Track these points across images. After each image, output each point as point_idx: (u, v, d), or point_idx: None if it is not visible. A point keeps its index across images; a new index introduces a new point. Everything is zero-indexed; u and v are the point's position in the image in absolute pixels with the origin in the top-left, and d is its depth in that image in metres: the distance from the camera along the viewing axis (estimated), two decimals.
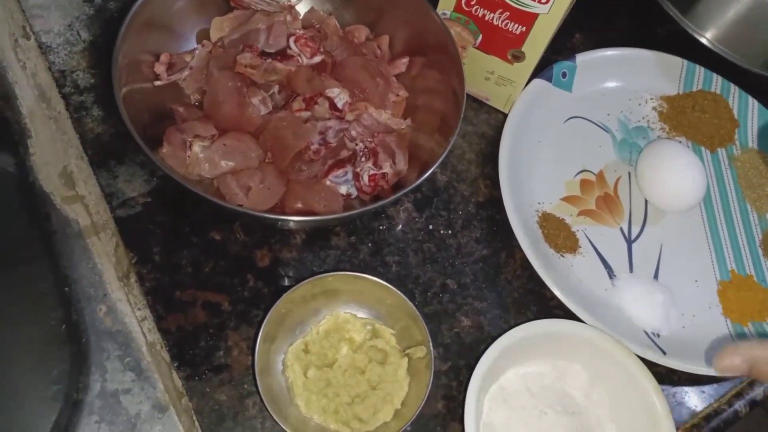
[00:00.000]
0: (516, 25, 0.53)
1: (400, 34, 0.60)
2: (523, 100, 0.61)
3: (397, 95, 0.58)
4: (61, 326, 0.53)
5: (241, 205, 0.51)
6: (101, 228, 0.51)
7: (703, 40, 0.67)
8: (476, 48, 0.57)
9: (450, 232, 0.56)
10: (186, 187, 0.46)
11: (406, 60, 0.59)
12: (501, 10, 0.52)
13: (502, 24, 0.53)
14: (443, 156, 0.49)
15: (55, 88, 0.56)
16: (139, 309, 0.48)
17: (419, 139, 0.57)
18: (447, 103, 0.55)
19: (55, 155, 0.54)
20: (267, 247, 0.52)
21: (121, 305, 0.48)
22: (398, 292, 0.47)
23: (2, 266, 0.56)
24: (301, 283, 0.46)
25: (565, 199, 0.59)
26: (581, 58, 0.64)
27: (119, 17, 0.59)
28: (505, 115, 0.62)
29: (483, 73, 0.59)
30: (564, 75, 0.64)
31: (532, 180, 0.59)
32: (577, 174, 0.61)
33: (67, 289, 0.49)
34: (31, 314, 0.53)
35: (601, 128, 0.64)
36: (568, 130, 0.63)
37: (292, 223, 0.53)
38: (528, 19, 0.52)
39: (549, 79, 0.62)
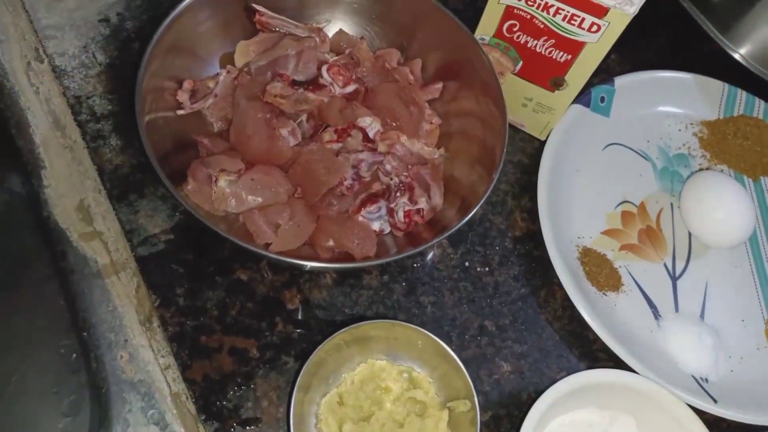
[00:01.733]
0: (561, 53, 0.50)
1: (433, 58, 0.57)
2: (560, 127, 0.57)
3: (431, 123, 0.55)
4: (72, 356, 0.51)
5: (269, 244, 0.47)
6: (121, 267, 0.48)
7: (742, 61, 0.63)
8: (515, 74, 0.54)
9: (487, 269, 0.52)
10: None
11: (439, 86, 0.55)
12: (546, 38, 0.49)
13: (545, 51, 0.50)
14: (487, 194, 0.46)
15: (70, 114, 0.53)
16: (162, 356, 0.45)
17: (454, 171, 0.53)
18: (486, 132, 0.52)
19: (71, 188, 0.50)
20: (296, 288, 0.49)
21: (144, 352, 0.45)
22: (438, 340, 0.44)
23: (16, 309, 0.53)
24: (338, 332, 0.43)
25: (606, 232, 0.56)
26: (620, 81, 0.61)
27: (136, 37, 0.57)
28: (541, 143, 0.59)
29: (520, 100, 0.56)
30: (602, 100, 0.60)
31: (571, 212, 0.56)
32: (618, 205, 0.57)
33: (85, 334, 0.46)
34: (46, 357, 0.51)
35: (641, 156, 0.60)
36: (607, 158, 0.59)
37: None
38: (574, 48, 0.49)
39: (587, 104, 0.59)
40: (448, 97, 0.56)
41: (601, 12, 0.46)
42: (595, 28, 0.47)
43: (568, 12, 0.46)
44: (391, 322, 0.45)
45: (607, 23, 0.46)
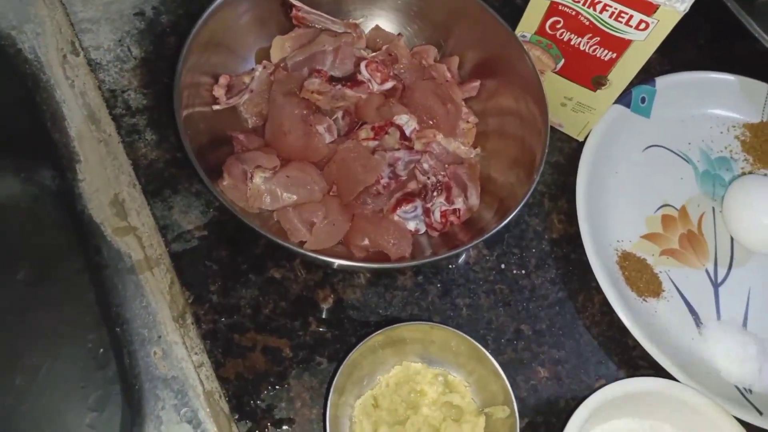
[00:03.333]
0: (605, 52, 0.48)
1: (471, 56, 0.55)
2: (600, 128, 0.55)
3: (468, 122, 0.53)
4: (99, 350, 0.50)
5: (303, 242, 0.46)
6: (155, 263, 0.47)
7: None
8: (555, 72, 0.52)
9: (523, 272, 0.51)
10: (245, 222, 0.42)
11: (477, 84, 0.54)
12: (590, 35, 0.47)
13: (589, 50, 0.48)
14: (527, 197, 0.44)
15: (105, 108, 0.52)
16: (195, 353, 0.44)
17: (491, 171, 0.52)
18: (525, 133, 0.50)
19: (106, 182, 0.49)
20: (329, 287, 0.48)
21: (177, 349, 0.44)
22: (476, 343, 0.43)
23: (45, 303, 0.52)
24: (374, 334, 0.42)
25: (646, 236, 0.54)
26: (661, 82, 0.59)
27: (171, 32, 0.56)
28: (579, 143, 0.57)
29: (559, 99, 0.54)
30: (643, 100, 0.58)
31: (610, 215, 0.54)
32: (658, 209, 0.55)
33: (118, 329, 0.45)
34: (74, 351, 0.50)
35: (682, 158, 0.58)
36: (647, 160, 0.57)
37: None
38: (620, 46, 0.47)
39: (627, 105, 0.57)
40: (486, 95, 0.54)
41: (651, 9, 0.44)
42: (643, 25, 0.45)
43: (615, 9, 0.45)
44: (428, 324, 0.43)
45: (655, 21, 0.44)
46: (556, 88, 0.53)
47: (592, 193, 0.53)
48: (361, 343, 0.41)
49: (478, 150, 0.53)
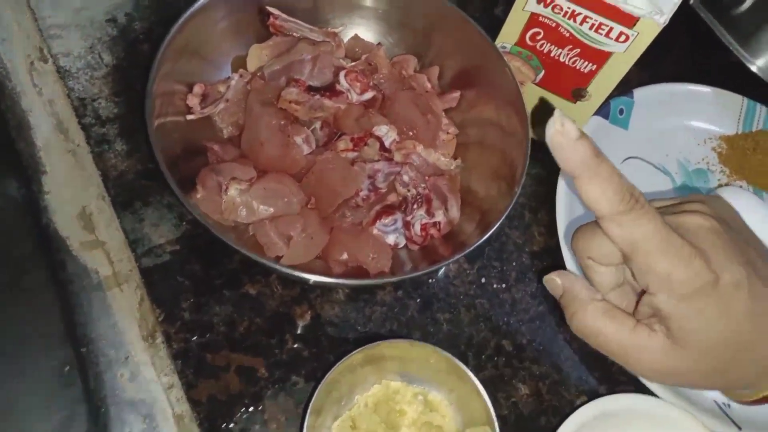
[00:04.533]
0: (585, 63, 0.47)
1: (450, 66, 0.54)
2: None
3: (448, 133, 0.52)
4: (65, 368, 0.47)
5: (280, 257, 0.44)
6: (124, 279, 0.45)
7: (760, 73, 0.61)
8: (535, 84, 0.51)
9: (503, 285, 0.49)
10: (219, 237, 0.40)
11: (457, 95, 0.52)
12: (570, 47, 0.46)
13: (569, 61, 0.47)
14: (509, 209, 0.43)
15: (74, 117, 0.49)
16: (165, 375, 0.42)
17: (471, 183, 0.50)
18: (505, 144, 0.49)
19: (73, 194, 0.47)
20: (307, 303, 0.46)
21: (146, 370, 0.42)
22: (457, 361, 0.41)
23: (7, 318, 0.50)
24: (353, 352, 0.40)
25: None
26: (639, 93, 0.58)
27: (145, 39, 0.53)
28: None
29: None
30: (621, 112, 0.58)
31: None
32: None
33: (83, 349, 0.43)
34: (38, 369, 0.47)
35: (660, 170, 0.58)
36: (626, 172, 0.52)
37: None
38: (600, 58, 0.46)
39: (606, 116, 0.56)
40: (466, 106, 0.53)
41: (631, 21, 0.43)
42: (623, 38, 0.44)
43: (596, 21, 0.44)
44: (408, 342, 0.42)
45: (635, 33, 0.44)
46: (536, 99, 0.52)
47: (572, 206, 0.52)
48: (340, 362, 0.39)
49: (459, 161, 0.51)
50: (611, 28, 0.44)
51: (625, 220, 0.31)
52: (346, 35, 0.54)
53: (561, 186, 0.52)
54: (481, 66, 0.51)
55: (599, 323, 0.34)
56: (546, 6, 0.44)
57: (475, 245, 0.42)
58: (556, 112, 0.30)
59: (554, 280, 0.37)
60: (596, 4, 0.43)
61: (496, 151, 0.49)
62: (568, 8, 0.44)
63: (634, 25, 0.43)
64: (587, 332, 0.35)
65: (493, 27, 0.50)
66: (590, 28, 0.44)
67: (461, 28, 0.51)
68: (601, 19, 0.44)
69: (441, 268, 0.49)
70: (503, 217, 0.43)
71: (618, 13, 0.43)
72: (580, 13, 0.44)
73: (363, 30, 0.54)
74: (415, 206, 0.46)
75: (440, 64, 0.54)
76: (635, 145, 0.57)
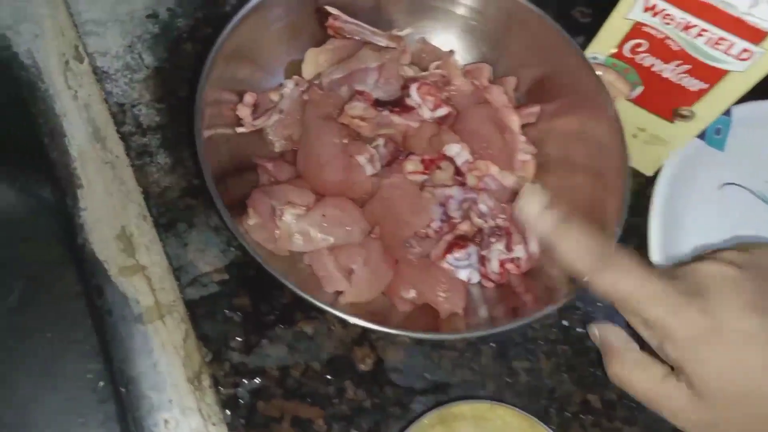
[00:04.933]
0: (694, 81, 0.41)
1: (528, 75, 0.48)
2: (673, 164, 0.48)
3: (526, 153, 0.46)
4: (99, 383, 0.44)
5: (339, 292, 0.39)
6: (167, 311, 0.40)
7: None
8: (629, 100, 0.45)
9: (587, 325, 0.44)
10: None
11: (536, 109, 0.47)
12: (679, 62, 0.40)
13: (674, 78, 0.41)
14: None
15: (112, 125, 0.45)
16: (213, 424, 0.37)
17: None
18: (595, 168, 0.43)
19: (112, 212, 0.42)
20: (368, 345, 0.41)
21: (192, 417, 0.37)
22: (541, 425, 0.36)
23: (44, 328, 0.46)
24: (425, 414, 0.35)
25: None
26: (738, 111, 0.51)
27: (189, 37, 0.48)
28: (647, 179, 0.50)
29: (630, 129, 0.46)
30: (718, 131, 0.51)
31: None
32: None
33: (123, 389, 0.39)
34: (73, 379, 0.44)
35: (761, 200, 0.51)
36: (724, 201, 0.50)
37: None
38: (713, 76, 0.40)
39: (701, 137, 0.50)
40: (545, 121, 0.47)
41: (758, 37, 0.37)
42: (745, 55, 0.38)
43: (714, 35, 0.38)
44: (488, 403, 0.37)
45: (762, 50, 0.37)
46: (628, 117, 0.45)
47: (667, 241, 0.46)
48: (411, 426, 0.35)
49: (538, 185, 0.46)
50: (732, 44, 0.38)
51: (606, 277, 0.33)
52: (412, 38, 0.48)
53: (655, 218, 0.46)
54: (566, 78, 0.45)
55: (631, 373, 0.35)
56: (654, 15, 0.38)
57: (569, 298, 0.36)
58: (527, 185, 0.36)
59: (593, 330, 0.38)
60: (717, 15, 0.37)
61: (583, 176, 0.44)
62: (682, 19, 0.38)
63: (762, 41, 0.37)
64: (621, 382, 0.35)
65: (570, 30, 0.44)
66: (706, 43, 0.38)
67: (543, 34, 0.45)
68: (721, 33, 0.37)
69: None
70: None
71: (742, 27, 0.37)
72: (695, 26, 0.38)
73: (430, 33, 0.48)
74: (492, 240, 0.41)
75: (516, 73, 0.49)
76: (733, 170, 0.51)
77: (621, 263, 0.33)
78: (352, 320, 0.36)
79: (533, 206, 0.35)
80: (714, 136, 0.51)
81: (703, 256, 0.36)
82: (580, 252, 0.33)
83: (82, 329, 0.45)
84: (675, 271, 0.34)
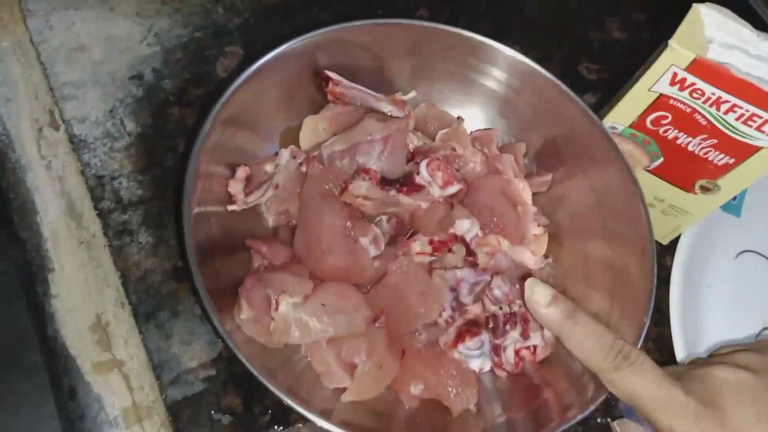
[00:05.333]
0: (721, 156, 0.38)
1: (536, 138, 0.45)
2: (690, 233, 0.46)
3: (538, 225, 0.43)
4: None
5: (341, 388, 0.35)
6: (146, 414, 0.36)
7: None
8: (647, 170, 0.43)
9: (609, 419, 0.41)
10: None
11: (548, 178, 0.44)
12: (705, 137, 0.38)
13: (699, 151, 0.39)
14: (641, 341, 0.34)
15: (89, 200, 0.41)
16: None
17: (568, 288, 0.42)
18: (614, 243, 0.40)
19: (86, 298, 0.38)
20: None
21: None
22: None
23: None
24: None
25: None
26: None
27: (176, 101, 0.45)
28: (661, 246, 0.47)
29: (647, 198, 0.44)
30: (734, 197, 0.49)
31: (708, 343, 0.44)
32: (759, 333, 0.46)
33: None
34: None
35: None
36: (741, 270, 0.48)
37: None
38: (742, 152, 0.37)
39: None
40: (556, 189, 0.44)
41: None
42: None
43: (746, 111, 0.35)
44: None
45: None
46: (645, 186, 0.42)
47: (687, 316, 0.43)
48: None
49: (549, 260, 0.43)
50: (765, 121, 0.35)
51: (616, 378, 0.32)
52: (415, 100, 0.45)
53: (675, 292, 0.43)
54: (577, 141, 0.42)
55: None
56: (682, 89, 0.36)
57: (600, 401, 0.33)
58: (529, 281, 0.35)
59: (614, 428, 0.39)
60: (751, 92, 0.34)
61: (601, 248, 0.41)
62: (713, 94, 0.35)
63: None
64: None
65: (577, 86, 0.42)
66: (738, 119, 0.35)
67: (551, 96, 0.42)
68: (753, 110, 0.35)
69: None
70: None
71: None
72: (726, 101, 0.35)
73: (435, 96, 0.46)
74: (508, 327, 0.37)
75: (524, 136, 0.46)
76: (750, 237, 0.48)
77: (633, 364, 0.31)
78: None
79: (537, 301, 0.34)
80: (730, 202, 0.49)
81: (718, 356, 0.36)
82: (590, 350, 0.32)
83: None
84: (690, 373, 0.33)
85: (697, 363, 0.36)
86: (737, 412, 0.31)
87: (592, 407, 0.33)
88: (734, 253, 0.48)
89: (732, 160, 0.38)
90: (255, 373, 0.31)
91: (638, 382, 0.31)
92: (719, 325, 0.45)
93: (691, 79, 0.35)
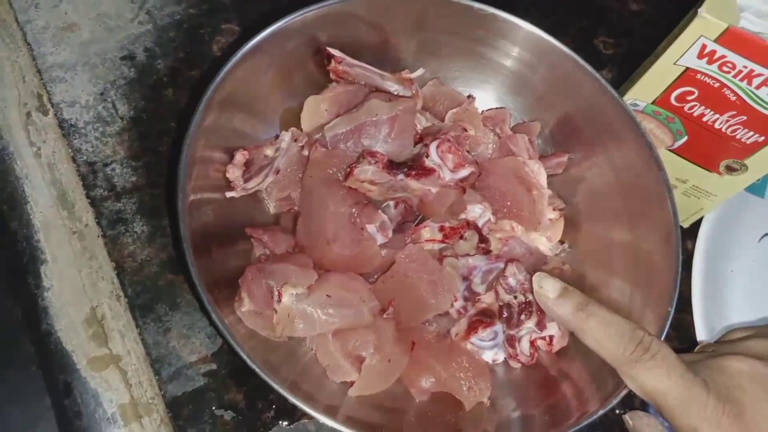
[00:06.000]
0: (750, 134, 0.36)
1: (550, 118, 0.43)
2: (713, 216, 0.43)
3: (554, 210, 0.41)
4: None
5: (348, 383, 0.34)
6: (145, 410, 0.34)
7: None
8: (669, 150, 0.40)
9: (628, 409, 0.39)
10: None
11: (564, 159, 0.41)
12: (734, 113, 0.35)
13: (727, 129, 0.36)
14: (665, 331, 0.32)
15: (81, 188, 0.39)
16: None
17: (587, 275, 0.39)
18: (634, 226, 0.38)
19: (80, 291, 0.36)
20: None
21: None
22: None
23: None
24: None
25: None
26: None
27: (170, 82, 0.42)
28: (682, 230, 0.45)
29: (669, 180, 0.42)
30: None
31: (731, 328, 0.42)
32: None
33: None
34: None
35: None
36: (765, 253, 0.45)
37: None
38: None
39: None
40: (573, 171, 0.42)
41: None
42: None
43: None
44: None
45: None
46: (667, 167, 0.40)
47: (709, 301, 0.41)
48: None
49: (566, 246, 0.41)
50: None
51: (635, 371, 0.30)
52: (423, 78, 0.43)
53: (697, 277, 0.41)
54: (596, 119, 0.40)
55: None
56: (711, 62, 0.33)
57: (622, 393, 0.31)
58: (536, 275, 0.34)
59: (627, 420, 0.36)
60: None
61: (620, 233, 0.38)
62: (744, 67, 0.32)
63: None
64: None
65: (594, 62, 0.39)
66: None
67: (568, 71, 0.39)
68: None
69: None
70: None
71: None
72: (760, 74, 0.32)
73: (443, 73, 0.43)
74: (522, 317, 0.35)
75: (538, 115, 0.43)
76: None
77: (655, 356, 0.30)
78: None
79: (546, 294, 0.33)
80: (755, 182, 0.46)
81: (730, 343, 0.35)
82: (606, 341, 0.31)
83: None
84: (706, 363, 0.32)
85: (707, 350, 0.34)
86: (755, 408, 0.29)
87: (615, 401, 0.31)
88: (758, 236, 0.46)
89: (762, 138, 0.36)
90: (256, 369, 0.30)
91: (660, 377, 0.29)
92: (743, 311, 0.43)
93: (721, 51, 0.32)
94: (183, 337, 0.36)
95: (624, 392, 0.32)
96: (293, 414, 0.35)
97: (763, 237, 0.46)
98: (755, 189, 0.47)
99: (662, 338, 0.32)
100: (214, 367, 0.35)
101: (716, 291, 0.43)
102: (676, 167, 0.41)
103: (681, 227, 0.45)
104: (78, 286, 0.36)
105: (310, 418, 0.35)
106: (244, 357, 0.30)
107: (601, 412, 0.31)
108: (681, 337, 0.42)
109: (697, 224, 0.45)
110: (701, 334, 0.40)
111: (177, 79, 0.42)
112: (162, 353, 0.35)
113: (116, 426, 0.34)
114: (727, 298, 0.43)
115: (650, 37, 0.38)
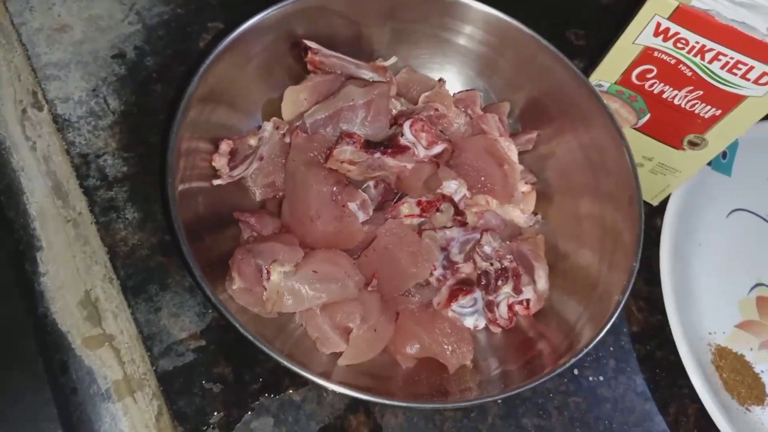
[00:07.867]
0: (707, 108, 0.37)
1: (519, 98, 0.44)
2: (680, 193, 0.44)
3: (526, 183, 0.42)
4: None
5: (337, 353, 0.35)
6: (138, 385, 0.35)
7: None
8: (635, 128, 0.41)
9: (601, 378, 0.40)
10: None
11: (533, 135, 0.43)
12: (691, 88, 0.36)
13: (686, 104, 0.37)
14: (628, 291, 0.33)
15: (74, 178, 0.40)
16: None
17: (558, 244, 0.40)
18: (601, 197, 0.39)
19: (74, 275, 0.37)
20: (364, 411, 0.36)
21: None
22: None
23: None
24: None
25: (741, 325, 0.43)
26: (745, 134, 0.48)
27: (159, 78, 0.44)
28: (652, 209, 0.46)
29: (636, 158, 0.43)
30: (724, 155, 0.48)
31: (699, 300, 0.43)
32: (752, 289, 0.45)
33: None
34: None
35: None
36: (733, 228, 0.46)
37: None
38: (728, 102, 0.36)
39: (708, 162, 0.46)
40: (543, 147, 0.43)
41: None
42: (765, 79, 0.34)
43: (731, 59, 0.34)
44: None
45: None
46: (633, 145, 0.41)
47: (677, 274, 0.42)
48: None
49: (539, 217, 0.42)
50: (751, 68, 0.34)
51: None
52: (396, 67, 0.44)
53: (665, 250, 0.42)
54: (562, 98, 0.41)
55: None
56: (666, 39, 0.34)
57: (591, 345, 0.32)
58: None
59: None
60: (736, 38, 0.33)
61: (590, 204, 0.40)
62: (697, 43, 0.34)
63: None
64: None
65: (563, 52, 0.40)
66: (722, 67, 0.34)
67: (535, 54, 0.41)
68: (738, 57, 0.33)
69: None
70: (623, 302, 0.33)
71: (763, 50, 0.33)
72: (711, 49, 0.34)
73: (415, 60, 0.44)
74: (499, 282, 0.36)
75: (507, 96, 0.44)
76: (741, 195, 0.47)
77: None
78: (352, 394, 0.31)
79: None
80: (720, 160, 0.47)
81: None
82: None
83: (45, 412, 0.39)
84: None
85: None
86: None
87: (585, 351, 0.32)
88: (726, 212, 0.47)
89: (719, 112, 0.37)
90: (250, 337, 0.31)
91: None
92: (711, 284, 0.44)
93: (674, 28, 0.34)
94: (173, 316, 0.36)
95: (594, 342, 0.33)
96: (279, 386, 0.36)
97: (731, 213, 0.47)
98: (722, 168, 0.48)
99: (629, 291, 0.33)
100: (203, 343, 0.36)
101: (685, 265, 0.44)
102: (641, 145, 0.42)
103: (650, 205, 0.47)
104: (72, 270, 0.37)
105: (296, 389, 0.36)
106: (239, 327, 0.31)
107: (573, 360, 0.32)
108: (651, 308, 0.43)
109: (665, 202, 0.46)
110: (670, 306, 0.41)
111: (166, 75, 0.43)
112: (153, 331, 0.36)
113: (110, 401, 0.34)
114: (695, 271, 0.44)
115: (620, 30, 0.39)
